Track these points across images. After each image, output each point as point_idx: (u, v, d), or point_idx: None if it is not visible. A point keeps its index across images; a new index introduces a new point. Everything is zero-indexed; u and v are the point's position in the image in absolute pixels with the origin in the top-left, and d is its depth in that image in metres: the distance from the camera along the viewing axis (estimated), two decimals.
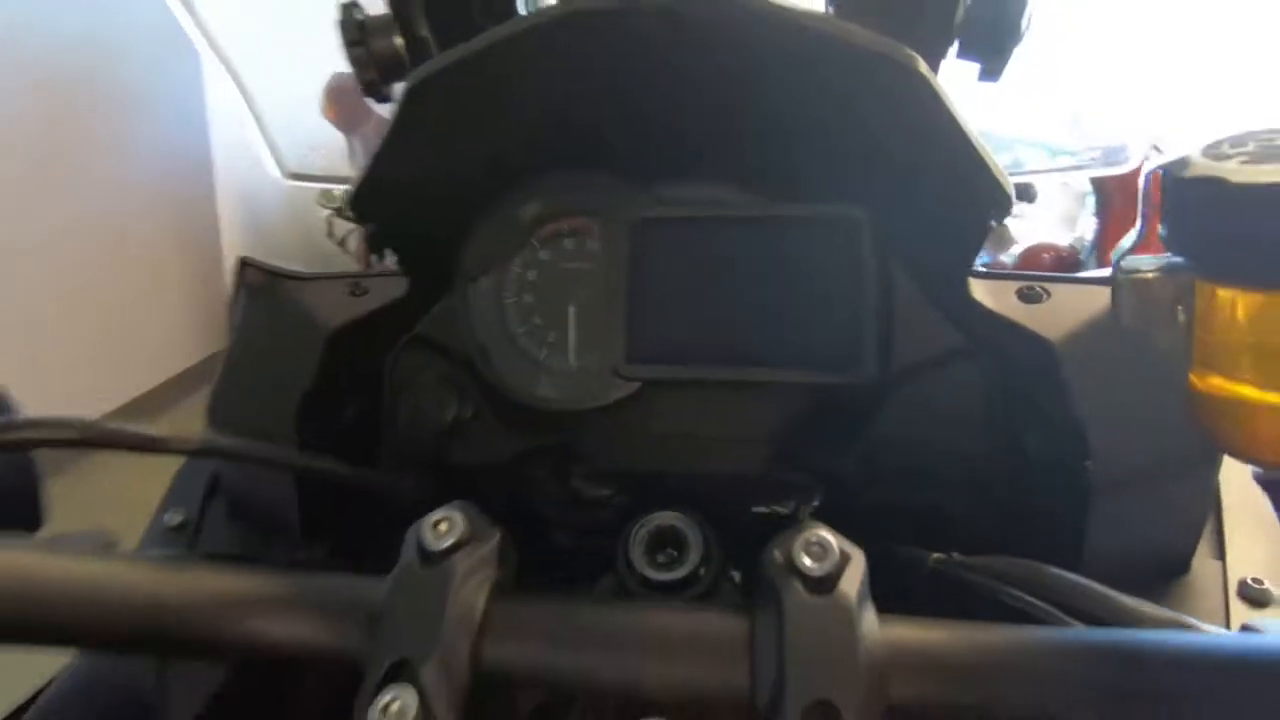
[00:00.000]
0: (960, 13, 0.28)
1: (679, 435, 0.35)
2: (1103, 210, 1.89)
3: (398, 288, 0.35)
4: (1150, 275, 0.17)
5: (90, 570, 0.20)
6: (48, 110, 1.58)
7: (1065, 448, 0.27)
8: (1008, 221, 0.27)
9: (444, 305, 0.37)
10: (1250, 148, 0.15)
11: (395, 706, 0.18)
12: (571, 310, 0.36)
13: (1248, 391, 0.14)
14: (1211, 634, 0.19)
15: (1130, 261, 0.17)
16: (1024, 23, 0.28)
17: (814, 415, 0.34)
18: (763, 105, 0.30)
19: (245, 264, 0.36)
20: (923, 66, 0.24)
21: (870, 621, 0.18)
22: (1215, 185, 0.15)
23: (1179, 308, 0.16)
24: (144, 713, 0.28)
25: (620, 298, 0.33)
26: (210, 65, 0.46)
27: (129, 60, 1.68)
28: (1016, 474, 0.31)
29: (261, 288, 0.36)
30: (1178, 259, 0.17)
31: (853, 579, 0.19)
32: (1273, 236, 0.14)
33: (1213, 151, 0.16)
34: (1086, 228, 2.17)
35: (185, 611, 0.19)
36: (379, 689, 0.18)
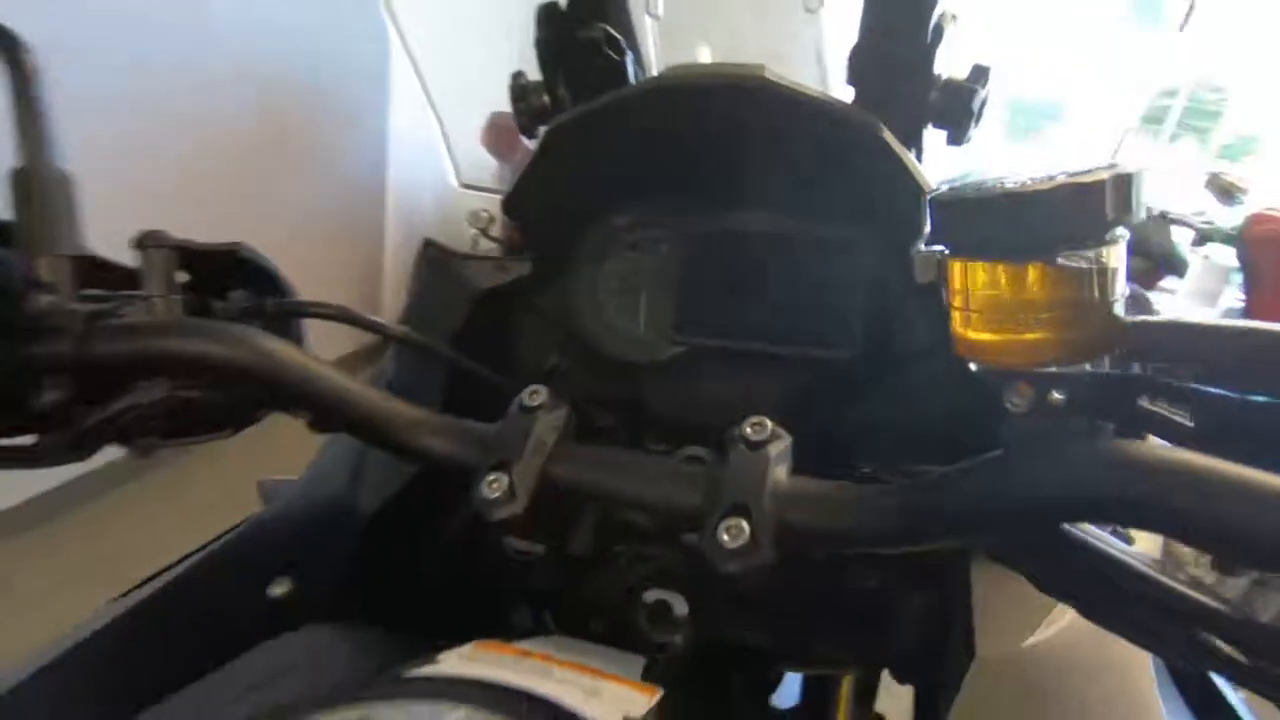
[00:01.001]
0: (931, 99, 0.39)
1: (712, 392, 0.47)
2: (1250, 285, 1.80)
3: (526, 269, 0.50)
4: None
5: (334, 374, 0.33)
6: (268, 127, 1.93)
7: None
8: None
9: (557, 283, 0.51)
10: None
11: (495, 485, 0.31)
12: (644, 293, 0.49)
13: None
14: None
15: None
16: (975, 107, 0.38)
17: (815, 384, 0.45)
18: (783, 153, 0.42)
19: (428, 243, 0.52)
20: (883, 130, 0.36)
21: (782, 470, 0.29)
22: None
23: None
24: (346, 515, 0.43)
25: (677, 286, 0.46)
26: (395, 98, 0.64)
27: (335, 91, 2.02)
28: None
29: (437, 261, 0.52)
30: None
31: (779, 446, 0.30)
32: None
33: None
34: (1228, 302, 2.07)
35: (389, 415, 0.33)
36: (486, 478, 0.31)
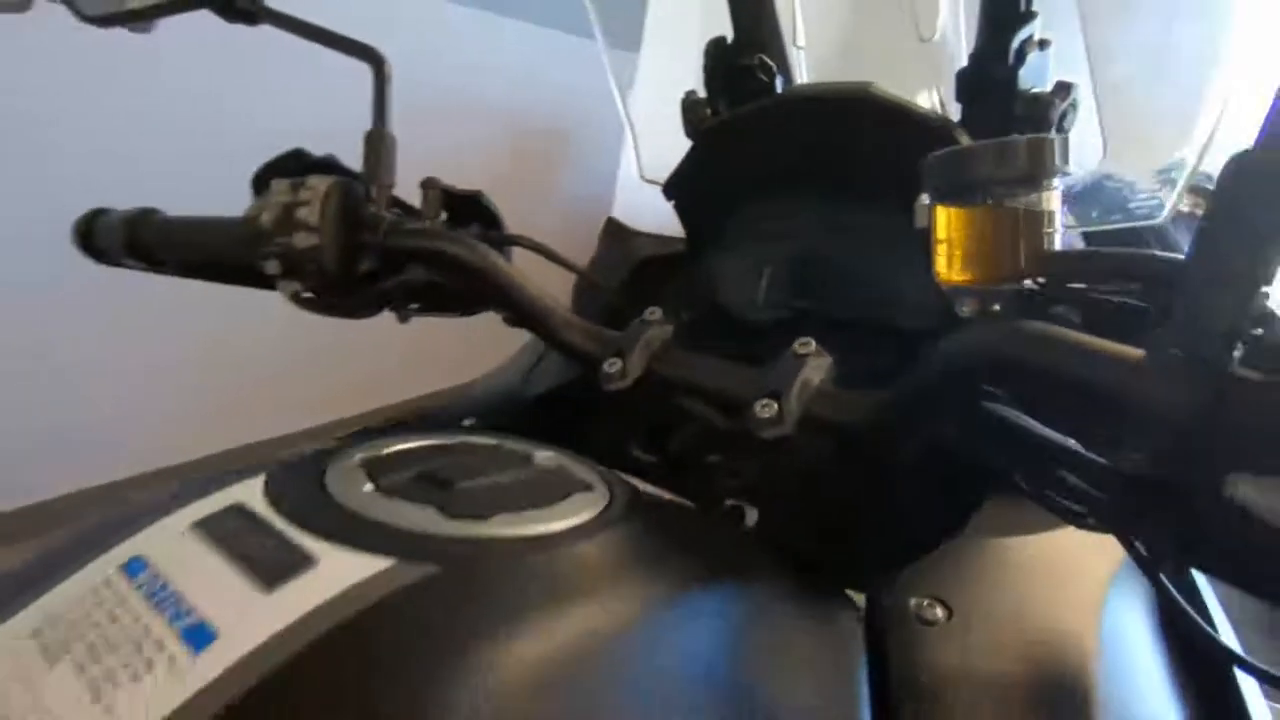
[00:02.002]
0: (1016, 110, 0.46)
1: None
2: None
3: (680, 245, 0.64)
4: None
5: (528, 285, 0.49)
6: (519, 164, 2.31)
7: None
8: None
9: (701, 255, 0.64)
10: None
11: (613, 366, 0.44)
12: (766, 267, 0.60)
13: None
14: None
15: None
16: (1054, 117, 0.45)
17: (898, 350, 0.53)
18: (884, 154, 0.51)
19: (610, 220, 0.68)
20: (957, 132, 0.44)
21: (813, 374, 0.39)
22: None
23: None
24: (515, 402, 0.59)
25: (793, 265, 0.57)
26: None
27: (579, 134, 2.37)
28: None
29: (614, 233, 0.67)
30: None
31: (817, 360, 0.39)
32: None
33: None
34: None
35: (557, 317, 0.48)
36: (608, 361, 0.44)
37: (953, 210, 0.32)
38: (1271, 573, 0.20)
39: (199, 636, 0.18)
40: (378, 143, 0.47)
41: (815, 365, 0.39)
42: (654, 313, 0.45)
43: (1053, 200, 0.30)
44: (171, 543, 0.23)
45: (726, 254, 0.62)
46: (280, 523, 0.23)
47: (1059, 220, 0.30)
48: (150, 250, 0.53)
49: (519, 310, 0.48)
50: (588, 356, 0.45)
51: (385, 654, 0.19)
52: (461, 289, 0.50)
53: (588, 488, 0.33)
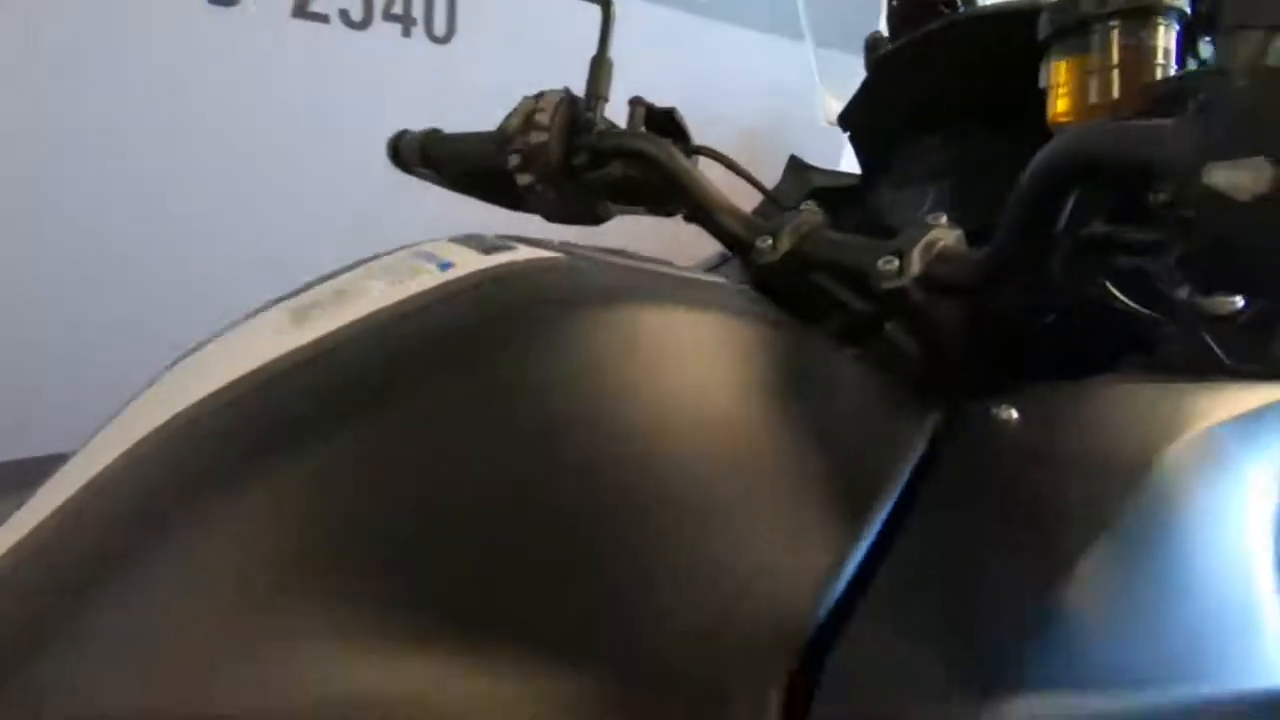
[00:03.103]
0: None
1: None
2: None
3: (853, 179, 0.69)
4: None
5: (708, 185, 0.59)
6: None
7: None
8: None
9: (873, 186, 0.69)
10: None
11: (765, 242, 0.51)
12: (931, 196, 0.63)
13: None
14: None
15: None
16: None
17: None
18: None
19: (792, 157, 0.75)
20: None
21: (935, 241, 0.43)
22: None
23: None
24: None
25: (955, 190, 0.60)
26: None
27: (775, 134, 2.43)
28: None
29: (795, 169, 0.74)
30: None
31: (944, 230, 0.43)
32: None
33: None
34: None
35: (725, 210, 0.57)
36: (760, 238, 0.52)
37: (1067, 59, 0.36)
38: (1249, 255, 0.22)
39: (445, 265, 0.30)
40: (598, 66, 0.60)
41: (943, 232, 0.43)
42: (808, 205, 0.52)
43: (1161, 36, 0.33)
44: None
45: (894, 184, 0.66)
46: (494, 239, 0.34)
47: (1172, 57, 0.33)
48: (434, 162, 0.70)
49: (692, 202, 0.57)
50: (743, 240, 0.53)
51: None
52: (651, 183, 0.61)
53: None
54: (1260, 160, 0.21)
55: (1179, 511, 0.31)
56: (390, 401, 0.24)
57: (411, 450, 0.24)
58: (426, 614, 0.21)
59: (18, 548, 0.23)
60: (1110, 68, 0.33)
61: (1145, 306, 0.32)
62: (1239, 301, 0.27)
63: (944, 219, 0.44)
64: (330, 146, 1.50)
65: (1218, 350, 0.28)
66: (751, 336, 0.34)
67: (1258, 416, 0.34)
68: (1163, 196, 0.25)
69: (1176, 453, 0.32)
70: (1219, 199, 0.22)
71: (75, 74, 1.27)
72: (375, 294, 0.29)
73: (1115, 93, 0.33)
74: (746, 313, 0.37)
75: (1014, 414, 0.35)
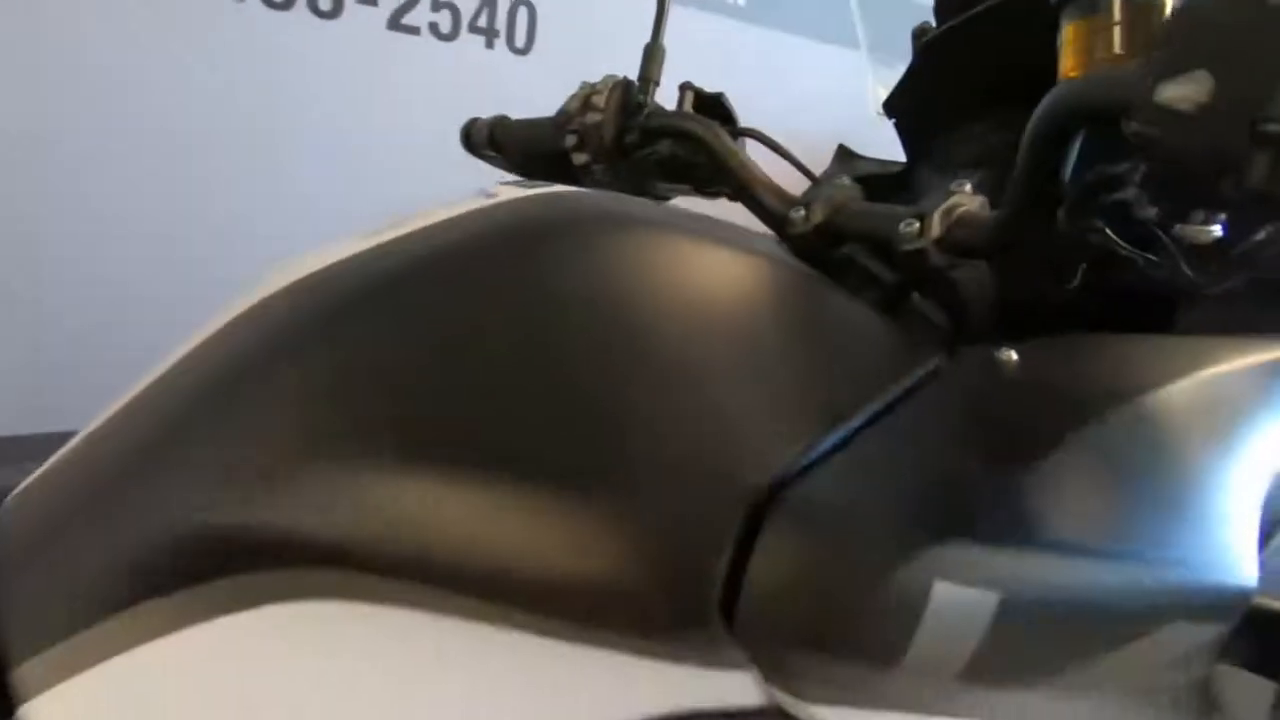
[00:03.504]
0: None
1: None
2: None
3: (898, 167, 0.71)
4: None
5: (750, 164, 0.62)
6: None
7: None
8: None
9: (918, 173, 0.71)
10: None
11: (797, 212, 0.54)
12: (974, 174, 0.64)
13: None
14: None
15: None
16: None
17: None
18: None
19: (840, 146, 0.77)
20: None
21: (955, 208, 0.44)
22: None
23: None
24: None
25: (995, 179, 0.61)
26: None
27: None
28: None
29: (842, 156, 0.76)
30: None
31: (966, 197, 0.45)
32: None
33: None
34: None
35: (763, 187, 0.60)
36: (793, 209, 0.54)
37: (1075, 21, 0.37)
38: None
39: (492, 196, 0.35)
40: (651, 52, 0.65)
41: (965, 198, 0.45)
42: (842, 178, 0.55)
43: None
44: None
45: (938, 169, 0.68)
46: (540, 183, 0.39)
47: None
48: (500, 146, 0.77)
49: (735, 180, 0.61)
50: (778, 212, 0.56)
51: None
52: (698, 162, 0.65)
53: None
54: (1202, 73, 0.23)
55: (1154, 439, 0.33)
56: (434, 282, 0.29)
57: (451, 319, 0.28)
58: (463, 453, 0.26)
59: (150, 388, 0.29)
60: (1113, 25, 0.35)
61: (1139, 249, 0.33)
62: (1216, 230, 0.28)
63: (968, 187, 0.46)
64: (418, 144, 1.61)
65: (1194, 276, 0.29)
66: (768, 265, 0.37)
67: (1257, 373, 0.35)
68: (1132, 125, 0.27)
69: (1164, 395, 0.33)
70: (1169, 114, 0.24)
71: (198, 82, 1.42)
72: (431, 216, 0.34)
73: (1118, 48, 0.35)
74: (767, 250, 0.40)
75: (1013, 355, 0.37)
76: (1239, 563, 0.31)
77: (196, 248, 1.43)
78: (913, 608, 0.26)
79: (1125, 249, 0.35)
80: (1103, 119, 0.30)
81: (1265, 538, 0.32)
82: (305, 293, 0.30)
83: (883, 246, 0.45)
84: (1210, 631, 0.30)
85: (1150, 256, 0.33)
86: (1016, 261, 0.43)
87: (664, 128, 0.63)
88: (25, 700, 0.26)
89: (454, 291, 0.29)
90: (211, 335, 0.31)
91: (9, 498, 0.31)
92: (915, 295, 0.55)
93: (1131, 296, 0.45)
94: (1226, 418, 0.34)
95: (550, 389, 0.27)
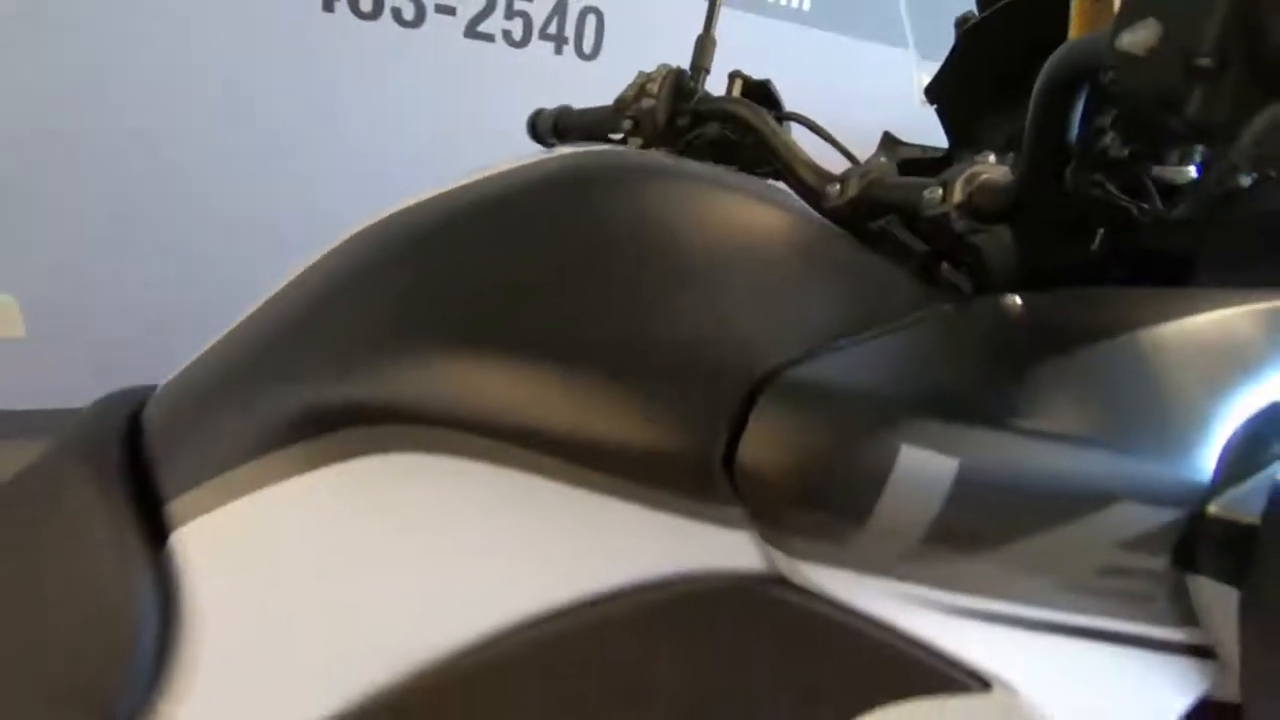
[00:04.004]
0: None
1: None
2: None
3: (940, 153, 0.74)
4: None
5: (793, 146, 0.67)
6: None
7: None
8: None
9: (958, 159, 0.73)
10: None
11: (833, 186, 0.58)
12: (1013, 158, 0.67)
13: None
14: None
15: None
16: None
17: None
18: None
19: (886, 133, 0.81)
20: None
21: (977, 176, 0.48)
22: None
23: None
24: None
25: None
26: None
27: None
28: None
29: (887, 144, 0.80)
30: None
31: (987, 166, 0.49)
32: None
33: None
34: None
35: (803, 165, 0.64)
36: (830, 185, 0.59)
37: None
38: None
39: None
40: (703, 42, 0.70)
41: (987, 166, 0.49)
42: (880, 156, 0.59)
43: None
44: None
45: (976, 153, 0.70)
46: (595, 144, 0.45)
47: None
48: (562, 133, 0.83)
49: (778, 160, 0.65)
50: (815, 188, 0.60)
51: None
52: (745, 144, 0.69)
53: None
54: (1151, 20, 0.26)
55: (1136, 355, 0.35)
56: (501, 204, 0.36)
57: (515, 232, 0.35)
58: (523, 335, 0.32)
59: (269, 300, 0.37)
60: None
61: (1132, 198, 0.36)
62: (1191, 171, 0.31)
63: (991, 158, 0.49)
64: (493, 141, 1.73)
65: (1175, 214, 0.32)
66: (795, 213, 0.42)
67: (1253, 317, 0.37)
68: (1106, 75, 0.30)
69: (1154, 329, 0.36)
70: (1126, 59, 0.27)
71: (299, 86, 1.56)
72: (499, 167, 0.40)
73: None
74: (799, 205, 0.45)
75: (1019, 301, 0.40)
76: (1195, 462, 0.33)
77: (298, 230, 1.58)
78: (882, 467, 0.30)
79: (1121, 199, 0.38)
80: (1088, 75, 0.34)
81: (1250, 469, 0.34)
82: (396, 221, 0.37)
83: (910, 215, 0.47)
84: (1163, 517, 0.33)
85: (1142, 204, 0.36)
86: (1036, 227, 0.46)
87: (713, 111, 0.68)
88: (175, 529, 0.33)
89: (517, 211, 0.36)
90: (319, 258, 0.38)
91: (161, 385, 0.39)
92: (945, 266, 0.58)
93: (1150, 263, 0.47)
94: (1213, 349, 0.37)
95: (595, 287, 0.33)
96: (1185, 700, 0.37)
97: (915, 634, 0.32)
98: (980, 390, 0.35)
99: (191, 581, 0.33)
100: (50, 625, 0.34)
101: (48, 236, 1.55)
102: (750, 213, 0.41)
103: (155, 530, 0.34)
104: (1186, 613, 0.35)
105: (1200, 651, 0.36)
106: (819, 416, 0.31)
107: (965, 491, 0.30)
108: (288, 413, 0.33)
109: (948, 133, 0.73)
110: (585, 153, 0.40)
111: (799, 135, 0.71)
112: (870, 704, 0.33)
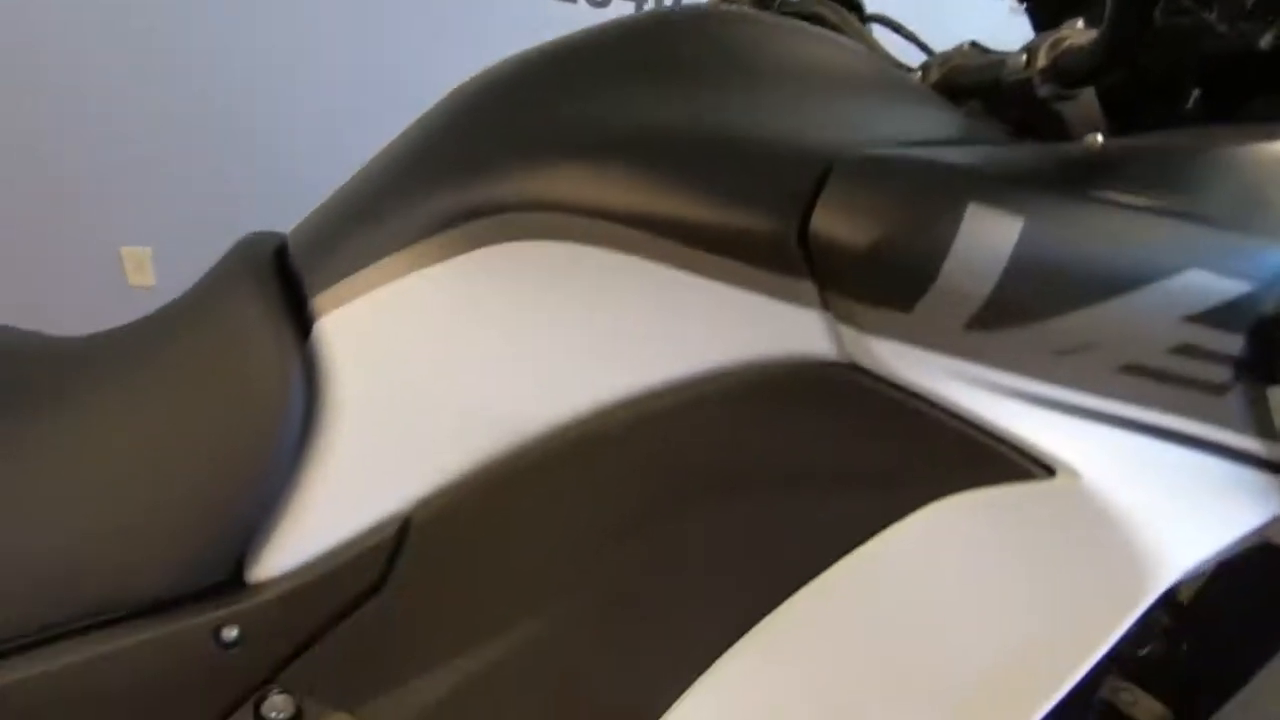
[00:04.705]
0: None
1: None
2: None
3: None
4: None
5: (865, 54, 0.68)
6: None
7: None
8: None
9: None
10: None
11: (915, 75, 0.59)
12: None
13: None
14: None
15: None
16: None
17: None
18: None
19: (971, 42, 0.80)
20: None
21: (1061, 41, 0.47)
22: None
23: None
24: None
25: None
26: None
27: None
28: None
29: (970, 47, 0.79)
30: None
31: (1081, 32, 0.48)
32: None
33: None
34: None
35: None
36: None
37: None
38: None
39: None
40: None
41: (1074, 32, 0.48)
42: (962, 46, 0.59)
43: None
44: None
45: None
46: None
47: None
48: None
49: None
50: None
51: None
52: None
53: None
54: None
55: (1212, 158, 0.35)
56: (602, 37, 0.40)
57: (618, 57, 0.39)
58: (627, 137, 0.36)
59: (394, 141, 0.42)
60: None
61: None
62: None
63: (1079, 23, 0.49)
64: None
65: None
66: (875, 56, 0.44)
67: None
68: None
69: (1238, 146, 0.36)
70: None
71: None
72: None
73: None
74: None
75: (1099, 138, 0.40)
76: (1265, 230, 0.33)
77: None
78: (949, 223, 0.31)
79: (1212, 20, 0.38)
80: None
81: None
82: (505, 63, 0.42)
83: (993, 96, 0.47)
84: (1238, 288, 0.32)
85: (1222, 26, 0.36)
86: (1122, 89, 0.46)
87: (797, 12, 0.70)
88: (318, 318, 0.39)
89: (618, 40, 0.40)
90: (432, 106, 0.43)
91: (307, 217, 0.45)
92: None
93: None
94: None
95: (688, 97, 0.36)
96: (1258, 517, 0.37)
97: (981, 418, 0.33)
98: (1049, 157, 0.36)
99: (332, 366, 0.38)
100: (212, 408, 0.40)
101: (179, 194, 1.72)
102: (832, 47, 0.43)
103: (301, 325, 0.40)
104: (1264, 424, 0.35)
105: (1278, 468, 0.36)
106: (887, 182, 0.33)
107: (1030, 252, 0.31)
108: (417, 212, 0.37)
109: (1036, 29, 0.72)
110: (679, 7, 0.43)
111: (882, 36, 0.72)
112: (941, 491, 0.35)
